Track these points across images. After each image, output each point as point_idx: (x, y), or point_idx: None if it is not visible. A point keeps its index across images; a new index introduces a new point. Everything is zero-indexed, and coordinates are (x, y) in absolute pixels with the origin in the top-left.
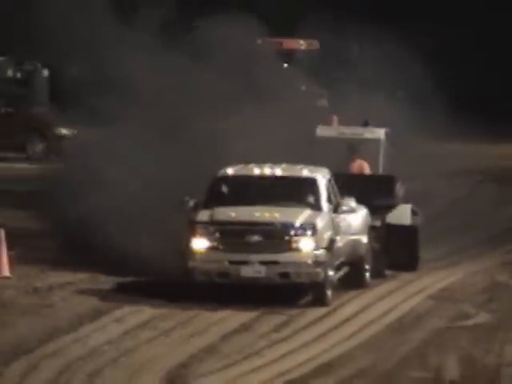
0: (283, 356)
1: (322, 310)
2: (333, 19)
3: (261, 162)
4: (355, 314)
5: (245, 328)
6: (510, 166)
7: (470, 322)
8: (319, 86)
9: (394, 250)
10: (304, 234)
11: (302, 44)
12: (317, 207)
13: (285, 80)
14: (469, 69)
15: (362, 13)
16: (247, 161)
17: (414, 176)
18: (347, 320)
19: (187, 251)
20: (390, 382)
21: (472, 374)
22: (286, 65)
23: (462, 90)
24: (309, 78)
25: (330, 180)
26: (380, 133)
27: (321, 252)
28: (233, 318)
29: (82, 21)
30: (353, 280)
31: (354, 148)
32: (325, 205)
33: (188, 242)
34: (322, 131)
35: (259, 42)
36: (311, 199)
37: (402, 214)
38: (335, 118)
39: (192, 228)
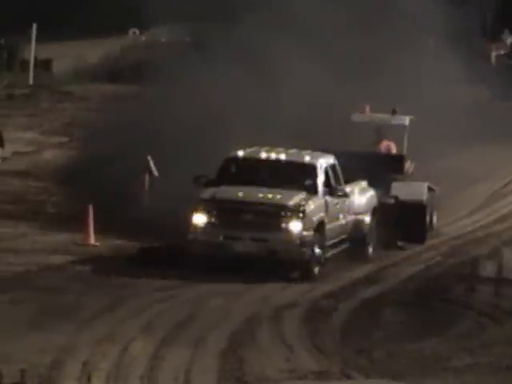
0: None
1: None
2: None
3: None
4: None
5: None
6: None
7: None
8: None
9: (406, 225)
10: (293, 216)
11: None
12: (313, 191)
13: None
14: None
15: None
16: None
17: None
18: (481, 207)
19: (189, 225)
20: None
21: None
22: None
23: None
24: None
25: (332, 166)
26: (405, 119)
27: (308, 233)
28: None
29: None
30: (356, 254)
31: (381, 132)
32: (321, 189)
33: (191, 216)
34: (356, 117)
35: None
36: (309, 183)
37: (416, 191)
38: (367, 107)
39: (196, 204)
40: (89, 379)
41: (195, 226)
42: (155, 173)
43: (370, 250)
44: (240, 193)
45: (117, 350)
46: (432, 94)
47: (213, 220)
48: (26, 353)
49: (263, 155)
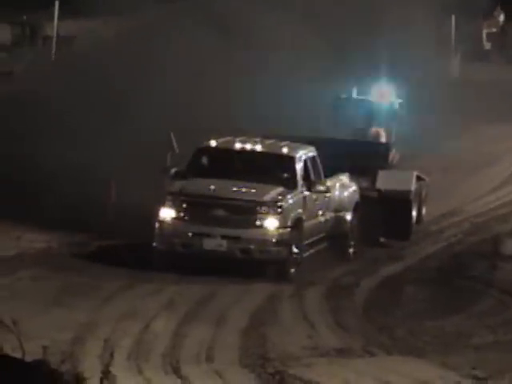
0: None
1: None
2: None
3: None
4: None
5: None
6: None
7: None
8: None
9: (389, 218)
10: (269, 212)
11: None
12: (291, 185)
13: None
14: None
15: None
16: None
17: None
18: (502, 185)
19: (156, 220)
20: None
21: None
22: None
23: None
24: None
25: (312, 158)
26: (394, 103)
27: (285, 231)
28: None
29: None
30: (336, 253)
31: (373, 117)
32: (299, 183)
33: (158, 210)
34: (342, 101)
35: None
36: (286, 177)
37: (402, 181)
38: (354, 90)
39: (164, 197)
40: (111, 356)
41: (162, 221)
42: (176, 150)
43: (351, 249)
44: (211, 186)
45: (138, 327)
46: (439, 71)
47: (181, 215)
48: (47, 330)
49: (237, 146)
